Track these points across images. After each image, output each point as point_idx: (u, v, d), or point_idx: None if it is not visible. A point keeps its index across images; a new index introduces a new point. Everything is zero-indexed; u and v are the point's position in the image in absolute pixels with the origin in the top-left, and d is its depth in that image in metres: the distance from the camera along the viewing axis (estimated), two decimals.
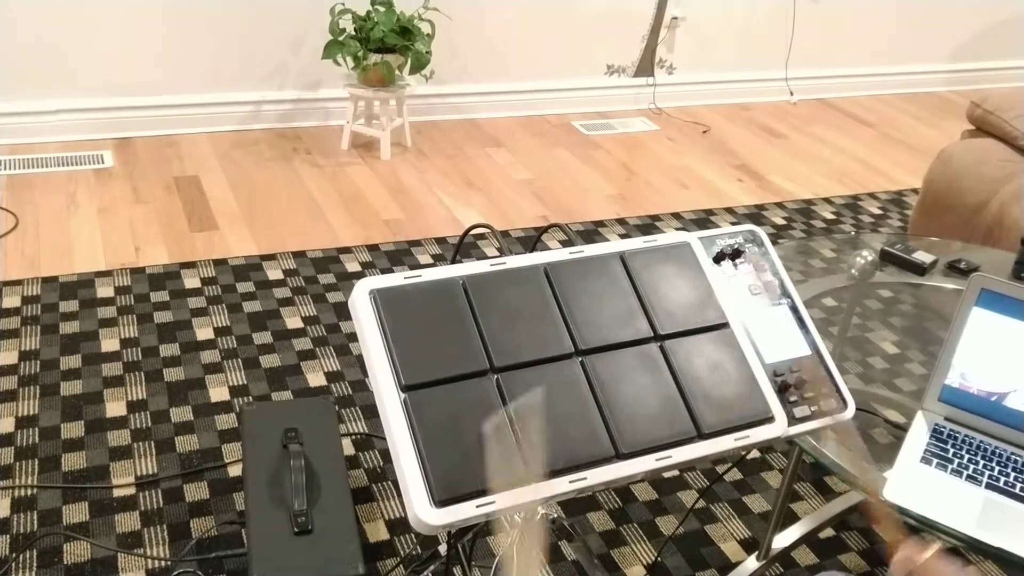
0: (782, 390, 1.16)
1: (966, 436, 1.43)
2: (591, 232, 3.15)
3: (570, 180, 3.52)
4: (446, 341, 1.03)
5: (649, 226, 3.24)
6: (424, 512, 0.94)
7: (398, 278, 1.05)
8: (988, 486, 1.35)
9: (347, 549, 1.58)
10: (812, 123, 4.40)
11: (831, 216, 3.48)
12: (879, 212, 3.56)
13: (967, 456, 1.39)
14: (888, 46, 4.85)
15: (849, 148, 4.16)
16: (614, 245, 1.18)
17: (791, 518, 2.01)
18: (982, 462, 1.38)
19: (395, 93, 3.43)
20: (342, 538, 1.60)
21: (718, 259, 1.23)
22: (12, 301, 2.44)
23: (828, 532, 2.00)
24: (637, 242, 1.20)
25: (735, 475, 2.14)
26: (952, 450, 1.40)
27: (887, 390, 1.76)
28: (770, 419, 1.13)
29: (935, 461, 1.39)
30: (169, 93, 3.45)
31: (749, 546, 1.94)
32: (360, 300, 1.03)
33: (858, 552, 1.96)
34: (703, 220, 3.32)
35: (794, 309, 1.24)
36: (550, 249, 1.15)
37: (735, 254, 1.24)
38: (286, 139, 3.58)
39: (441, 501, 0.94)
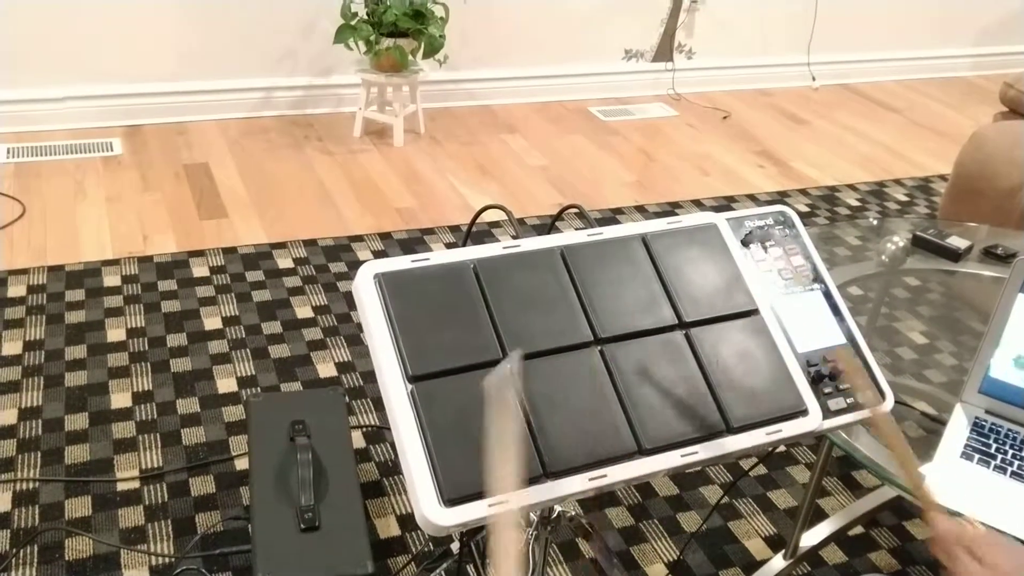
0: (816, 381, 1.09)
1: (1010, 430, 1.34)
2: (609, 220, 3.07)
3: (586, 166, 3.44)
4: (456, 328, 0.96)
5: (668, 213, 3.16)
6: (432, 512, 0.87)
7: (405, 261, 0.99)
8: None
9: (356, 546, 1.52)
10: (835, 109, 4.29)
11: (856, 203, 3.39)
12: (905, 199, 3.47)
13: (1011, 452, 1.31)
14: (913, 30, 4.74)
15: (873, 134, 4.06)
16: (635, 227, 1.11)
17: (818, 515, 1.93)
18: None
19: (408, 79, 3.36)
20: (351, 535, 1.54)
21: (746, 242, 1.15)
22: (17, 290, 2.39)
23: (858, 530, 1.92)
24: (660, 224, 1.12)
25: (759, 470, 2.06)
26: (995, 445, 1.32)
27: (916, 381, 1.68)
28: (803, 412, 1.05)
29: (977, 457, 1.31)
30: (179, 80, 3.39)
31: (775, 544, 1.87)
32: (364, 284, 0.96)
33: (889, 550, 1.88)
34: (724, 207, 3.23)
35: (827, 295, 1.16)
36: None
37: (765, 236, 1.16)
38: (297, 126, 3.51)
39: (451, 500, 0.88)
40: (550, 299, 1.01)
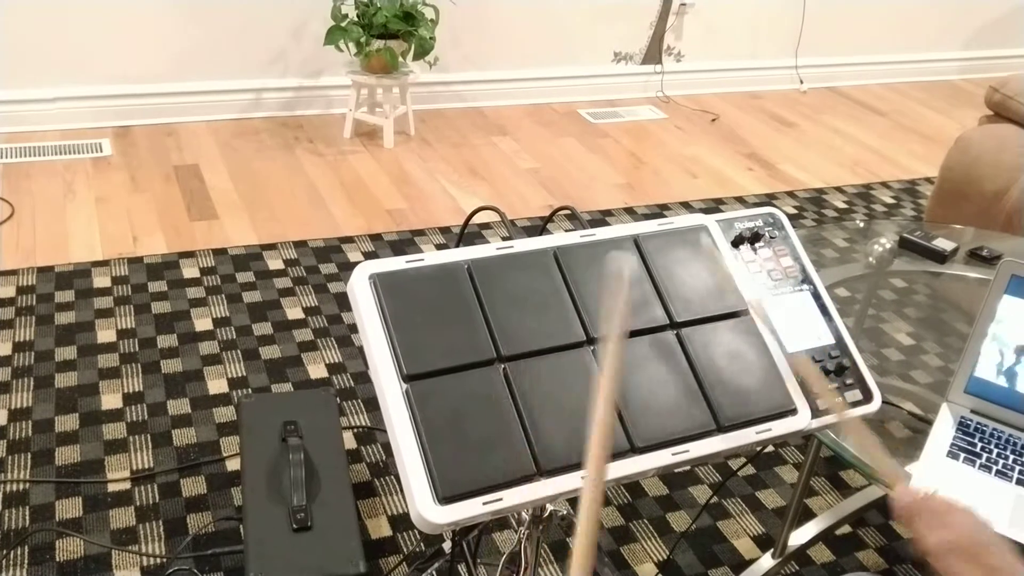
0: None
1: (995, 429, 1.36)
2: (598, 222, 3.08)
3: (577, 169, 3.46)
4: (450, 328, 0.97)
5: (657, 215, 3.18)
6: (427, 510, 0.88)
7: (399, 262, 1.00)
8: (1019, 482, 1.28)
9: (348, 546, 1.53)
10: (822, 111, 4.32)
11: (843, 205, 3.41)
12: (892, 201, 3.49)
13: (996, 450, 1.33)
14: (900, 34, 4.77)
15: (861, 137, 4.09)
16: (627, 228, 1.12)
17: (806, 514, 1.95)
18: (1012, 456, 1.32)
19: (398, 80, 3.36)
20: (342, 535, 1.55)
21: (736, 243, 1.17)
22: (7, 291, 2.38)
23: (845, 529, 1.94)
24: (651, 225, 1.14)
25: (748, 470, 2.08)
26: (980, 444, 1.34)
27: (902, 381, 1.70)
28: (793, 411, 1.07)
29: (963, 456, 1.32)
30: (169, 81, 3.39)
31: (763, 543, 1.88)
32: (359, 285, 0.97)
33: (876, 549, 1.90)
34: (713, 209, 3.25)
35: (816, 295, 1.18)
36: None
37: (754, 238, 1.18)
38: (287, 128, 3.52)
39: (445, 498, 0.89)
40: (543, 299, 1.02)
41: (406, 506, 1.86)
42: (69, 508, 1.79)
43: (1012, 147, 2.56)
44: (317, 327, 2.39)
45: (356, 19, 3.24)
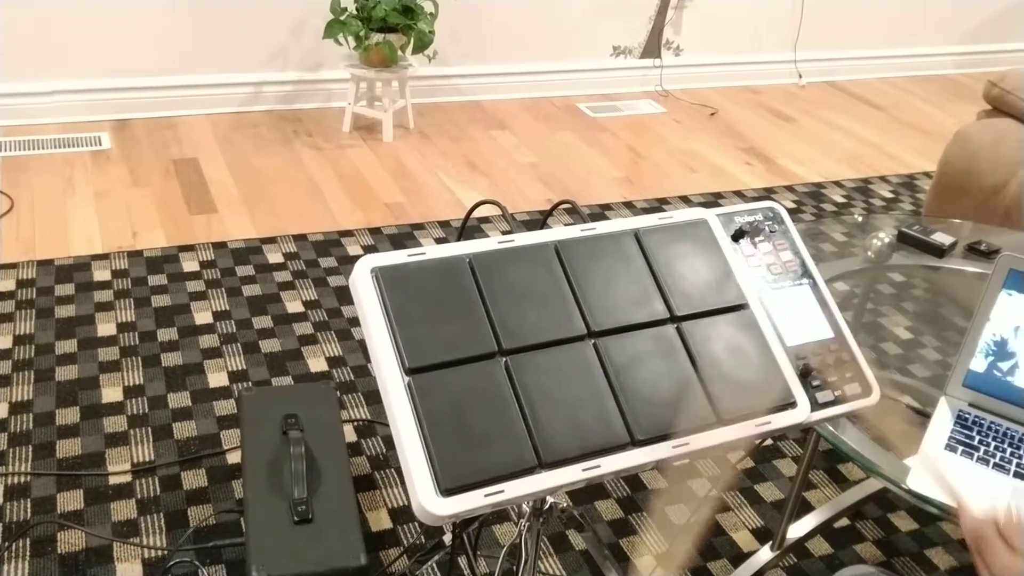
0: (804, 374, 1.10)
1: (992, 423, 1.37)
2: (598, 216, 3.09)
3: (576, 163, 3.46)
4: (452, 322, 0.97)
5: (656, 210, 3.18)
6: (430, 502, 0.89)
7: (401, 255, 1.00)
8: (1016, 475, 1.29)
9: (348, 539, 1.54)
10: (821, 106, 4.33)
11: (842, 200, 3.42)
12: (890, 196, 3.50)
13: (994, 444, 1.33)
14: (898, 28, 4.78)
15: (859, 131, 4.09)
16: (628, 222, 1.13)
17: (805, 507, 1.96)
18: (1010, 450, 1.32)
19: (397, 74, 3.36)
20: (343, 527, 1.56)
21: (736, 237, 1.17)
22: (7, 284, 2.39)
23: (843, 522, 1.95)
24: (652, 219, 1.14)
25: (746, 463, 2.08)
26: (978, 437, 1.35)
27: (901, 375, 1.70)
28: (792, 404, 1.07)
29: (960, 449, 1.33)
30: (168, 74, 3.38)
31: (762, 536, 1.89)
32: (361, 278, 0.97)
33: (873, 542, 1.91)
34: (711, 204, 3.26)
35: (816, 289, 1.18)
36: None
37: (754, 232, 1.18)
38: (286, 121, 3.51)
39: (447, 490, 0.89)
40: (544, 293, 1.03)
41: (406, 499, 1.87)
42: (70, 500, 1.79)
43: (1010, 141, 2.56)
44: (317, 320, 2.39)
45: (355, 13, 3.23)
